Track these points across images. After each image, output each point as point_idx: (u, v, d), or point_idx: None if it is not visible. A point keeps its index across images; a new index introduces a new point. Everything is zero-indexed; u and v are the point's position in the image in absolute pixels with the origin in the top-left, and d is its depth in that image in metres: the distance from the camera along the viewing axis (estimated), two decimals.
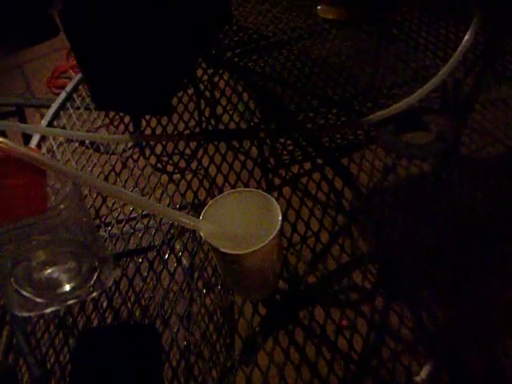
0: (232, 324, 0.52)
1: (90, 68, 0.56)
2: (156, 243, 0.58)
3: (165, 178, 0.67)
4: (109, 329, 0.52)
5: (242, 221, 0.42)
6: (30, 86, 2.03)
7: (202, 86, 0.80)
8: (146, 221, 0.61)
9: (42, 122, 0.76)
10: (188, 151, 0.71)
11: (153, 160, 0.69)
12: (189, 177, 0.66)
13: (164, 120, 0.76)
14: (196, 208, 0.61)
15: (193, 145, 0.71)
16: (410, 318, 0.48)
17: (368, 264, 0.53)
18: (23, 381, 0.49)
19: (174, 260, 0.56)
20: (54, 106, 0.78)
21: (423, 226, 0.56)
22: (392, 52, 0.81)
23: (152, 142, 0.72)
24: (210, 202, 0.43)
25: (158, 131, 0.75)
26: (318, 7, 0.92)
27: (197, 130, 0.74)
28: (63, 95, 0.80)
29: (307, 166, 0.66)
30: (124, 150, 0.71)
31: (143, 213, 0.62)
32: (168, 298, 0.52)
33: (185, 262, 0.57)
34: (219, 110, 0.76)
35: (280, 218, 0.41)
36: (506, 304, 0.49)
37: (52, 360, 0.49)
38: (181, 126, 0.75)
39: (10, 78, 2.08)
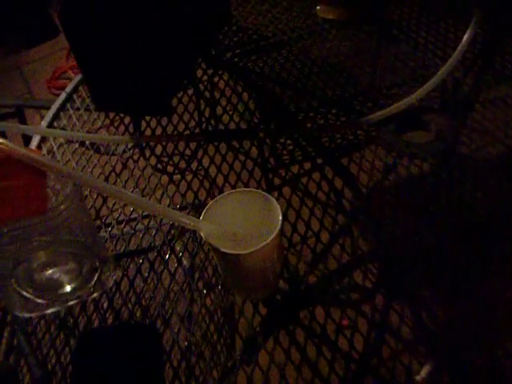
0: (233, 324, 0.52)
1: (90, 69, 0.56)
2: (156, 244, 0.58)
3: (165, 178, 0.67)
4: (110, 329, 0.52)
5: (243, 221, 0.42)
6: (30, 87, 2.02)
7: (201, 87, 0.80)
8: (146, 221, 0.61)
9: (42, 123, 0.76)
10: (188, 152, 0.71)
11: (153, 161, 0.69)
12: (189, 177, 0.66)
13: (164, 121, 0.76)
14: (196, 208, 0.62)
15: (193, 145, 0.71)
16: (411, 318, 0.48)
17: (368, 263, 0.53)
18: (24, 381, 0.49)
19: (175, 260, 0.56)
20: (54, 107, 0.78)
21: (423, 225, 0.56)
22: (392, 52, 0.81)
23: (152, 143, 0.72)
24: (211, 203, 0.43)
25: (158, 132, 0.75)
26: (318, 7, 0.92)
27: (197, 130, 0.74)
28: (63, 96, 0.80)
29: (307, 165, 0.66)
30: (124, 151, 0.71)
31: (144, 213, 0.62)
32: (169, 298, 0.52)
33: (185, 262, 0.57)
34: (219, 110, 0.76)
35: (280, 217, 0.41)
36: (506, 304, 0.49)
37: (53, 361, 0.49)
38: (181, 127, 0.75)
39: (10, 79, 2.08)
